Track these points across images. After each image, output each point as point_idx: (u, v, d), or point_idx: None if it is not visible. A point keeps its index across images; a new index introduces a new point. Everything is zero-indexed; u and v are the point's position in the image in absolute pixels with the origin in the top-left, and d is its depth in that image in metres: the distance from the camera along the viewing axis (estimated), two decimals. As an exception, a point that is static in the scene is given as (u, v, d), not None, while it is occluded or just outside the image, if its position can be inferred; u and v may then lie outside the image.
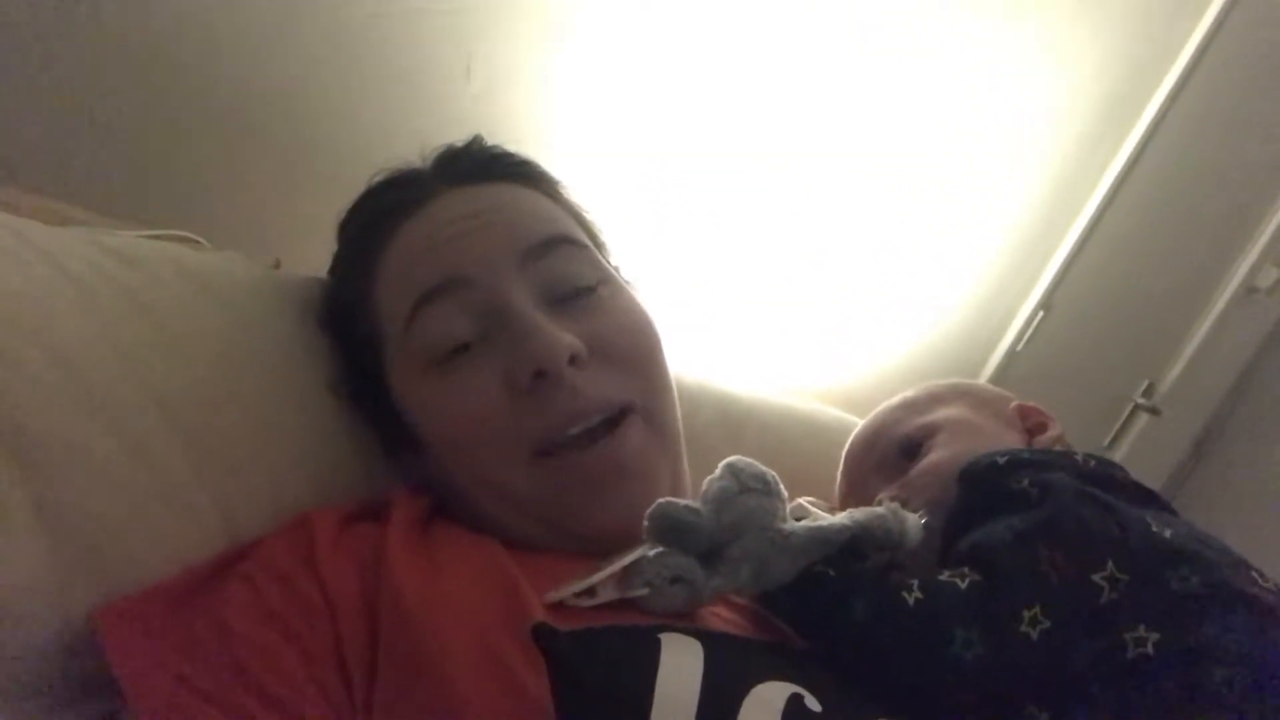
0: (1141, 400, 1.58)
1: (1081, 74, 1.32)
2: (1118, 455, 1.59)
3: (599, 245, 0.78)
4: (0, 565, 0.53)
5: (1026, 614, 0.52)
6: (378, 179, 0.77)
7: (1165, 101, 1.35)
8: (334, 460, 0.73)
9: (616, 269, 0.79)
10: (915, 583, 0.55)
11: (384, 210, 0.73)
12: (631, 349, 0.69)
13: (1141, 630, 0.51)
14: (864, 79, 1.24)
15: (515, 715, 0.48)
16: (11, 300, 0.60)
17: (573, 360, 0.63)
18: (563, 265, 0.69)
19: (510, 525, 0.65)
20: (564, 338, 0.63)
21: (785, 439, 1.01)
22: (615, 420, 0.65)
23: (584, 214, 0.80)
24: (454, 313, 0.66)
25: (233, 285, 0.74)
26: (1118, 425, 1.61)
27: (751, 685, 0.50)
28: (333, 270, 0.77)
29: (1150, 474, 1.55)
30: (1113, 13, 1.30)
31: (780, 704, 0.49)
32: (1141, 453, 1.59)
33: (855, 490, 0.79)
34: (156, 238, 0.79)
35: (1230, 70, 1.35)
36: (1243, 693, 0.48)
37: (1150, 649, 0.51)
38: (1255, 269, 1.50)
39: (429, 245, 0.69)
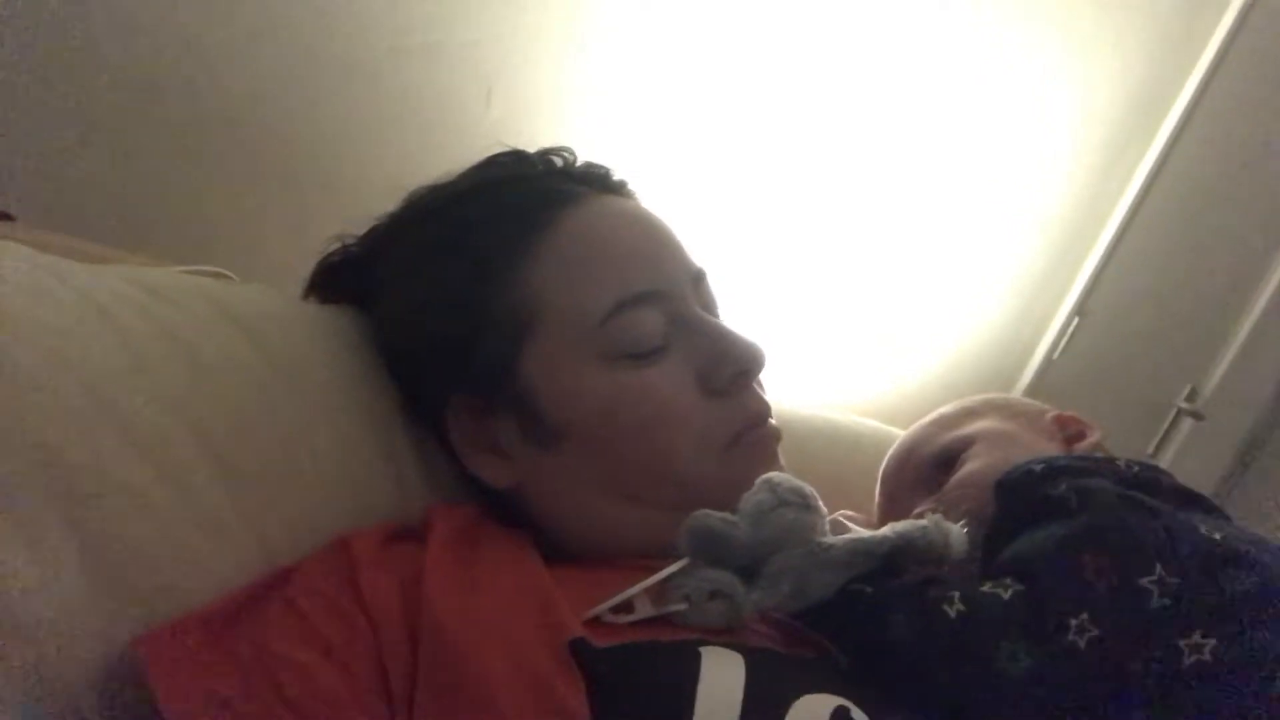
0: (1185, 405, 1.55)
1: (1107, 75, 1.31)
2: (1163, 462, 1.56)
3: None
4: (40, 597, 0.53)
5: (1073, 623, 0.50)
6: (487, 175, 0.77)
7: (1192, 100, 1.33)
8: (368, 486, 0.73)
9: None
10: (956, 595, 0.53)
11: (535, 199, 0.73)
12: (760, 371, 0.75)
13: (1198, 636, 0.50)
14: (893, 93, 1.24)
15: None
16: (49, 335, 0.60)
17: None
18: (710, 292, 0.76)
19: (628, 522, 0.68)
20: (759, 345, 0.71)
21: (823, 453, 1.00)
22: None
23: None
24: (656, 321, 0.69)
25: (263, 316, 0.75)
26: (1162, 431, 1.57)
27: (796, 697, 0.49)
28: (449, 253, 0.73)
29: (1198, 479, 1.52)
30: (1134, 12, 1.29)
31: (826, 715, 0.48)
32: (1188, 458, 1.56)
33: (893, 506, 0.78)
34: (187, 273, 0.81)
35: (1257, 64, 1.33)
36: None
37: (1208, 655, 0.49)
38: (1294, 267, 1.47)
39: (625, 244, 0.71)
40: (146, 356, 0.65)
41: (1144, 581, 0.51)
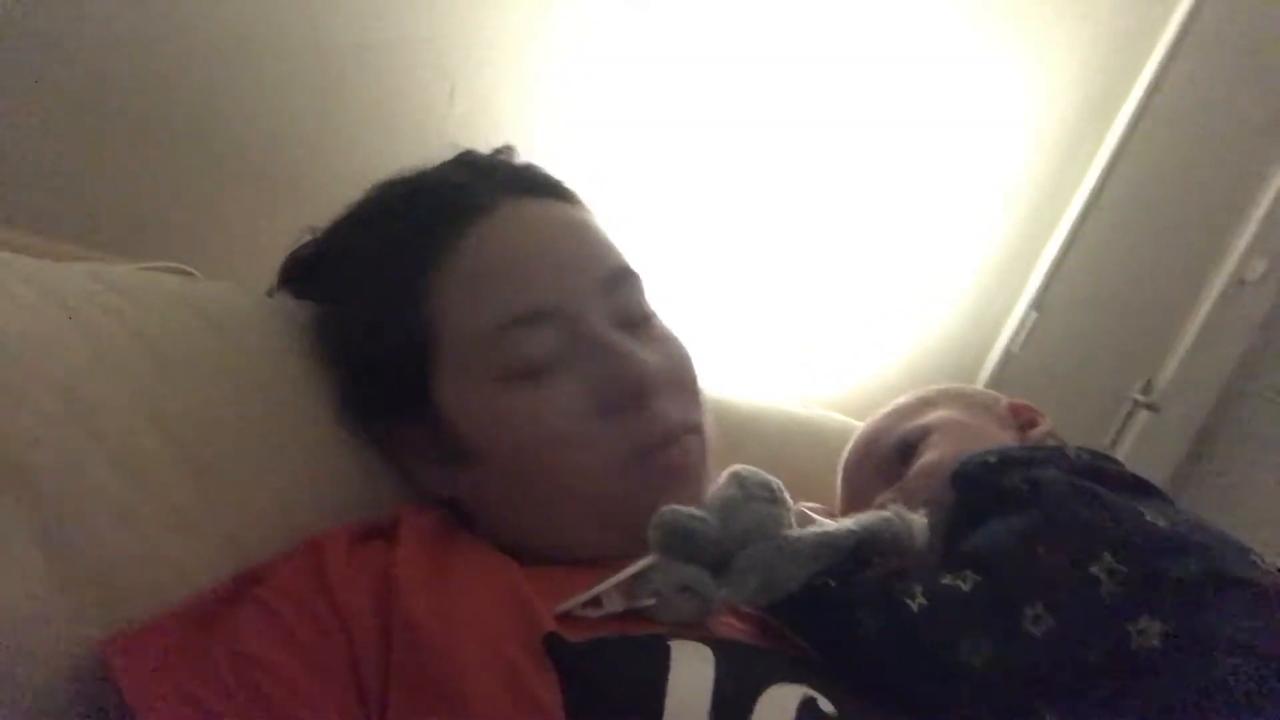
0: (1140, 397, 1.59)
1: (1060, 74, 1.34)
2: (1120, 453, 1.60)
3: None
4: (8, 597, 0.53)
5: (1029, 612, 0.52)
6: (400, 187, 0.75)
7: (1143, 97, 1.37)
8: (340, 481, 0.72)
9: None
10: (918, 589, 0.55)
11: (439, 215, 0.71)
12: (688, 374, 0.72)
13: (1144, 621, 0.51)
14: (852, 91, 1.26)
15: None
16: (13, 338, 0.60)
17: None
18: (630, 295, 0.72)
19: (562, 532, 0.66)
20: (654, 360, 0.66)
21: (785, 445, 1.01)
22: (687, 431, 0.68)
23: None
24: (546, 340, 0.66)
25: (229, 312, 0.74)
26: (1118, 423, 1.61)
27: (764, 688, 0.50)
28: (362, 275, 0.73)
29: (1154, 470, 1.56)
30: (1087, 10, 1.31)
31: (794, 706, 0.49)
32: (1144, 449, 1.60)
33: (855, 496, 0.80)
34: (149, 270, 0.80)
35: (1209, 62, 1.37)
36: (1250, 681, 0.48)
37: (1156, 640, 0.51)
38: (1243, 261, 1.51)
39: (516, 261, 0.69)
40: (113, 355, 0.64)
41: (1095, 570, 0.53)
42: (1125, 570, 0.53)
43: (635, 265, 0.74)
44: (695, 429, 0.69)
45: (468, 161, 0.77)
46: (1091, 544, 0.54)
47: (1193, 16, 1.33)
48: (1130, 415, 1.62)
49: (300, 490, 0.70)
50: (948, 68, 1.29)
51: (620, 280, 0.71)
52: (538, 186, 0.75)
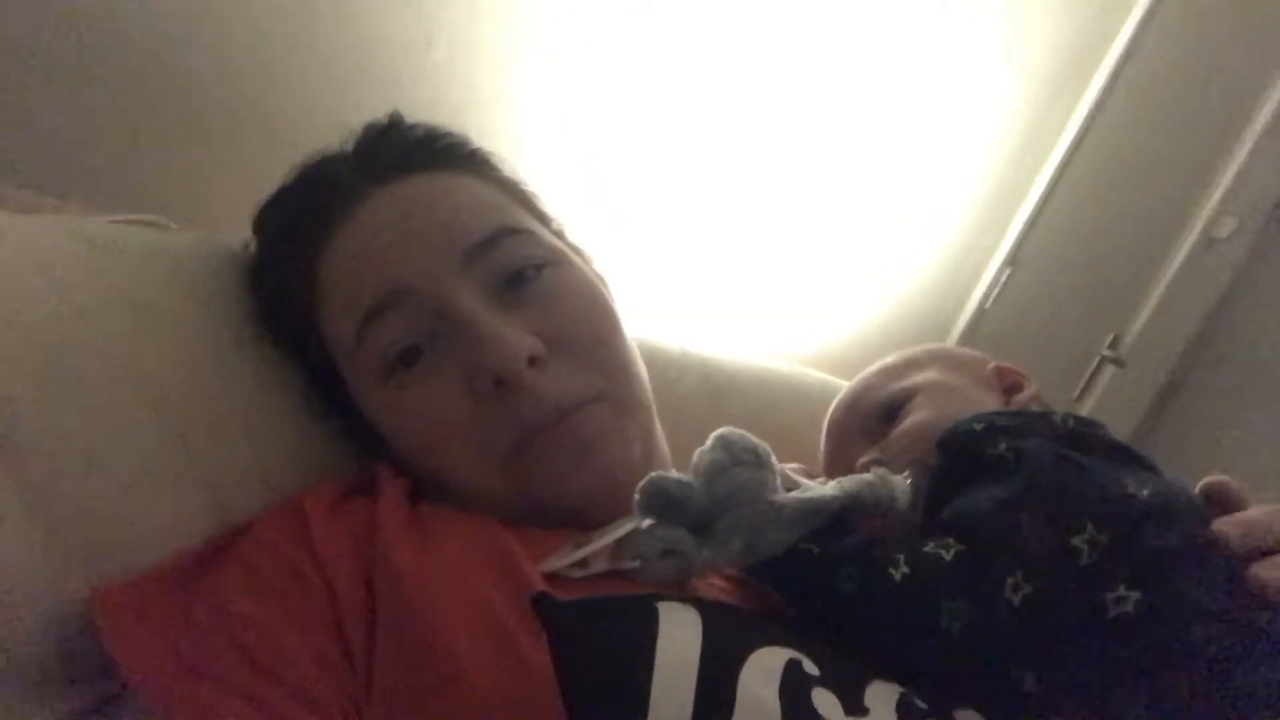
0: (1108, 353, 1.61)
1: (1039, 28, 1.33)
2: (1086, 407, 1.62)
3: (542, 217, 0.76)
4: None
5: (1009, 580, 0.53)
6: (293, 177, 0.74)
7: (1121, 56, 1.36)
8: (320, 439, 0.72)
9: (561, 232, 0.78)
10: (901, 557, 0.55)
11: (309, 218, 0.70)
12: (589, 336, 0.68)
13: (1122, 590, 0.52)
14: (830, 45, 1.24)
15: (517, 684, 0.48)
16: (-9, 293, 0.59)
17: (531, 361, 0.63)
18: (508, 256, 0.67)
19: (493, 513, 0.64)
20: (520, 341, 0.62)
21: (768, 403, 1.02)
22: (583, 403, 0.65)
23: (522, 186, 0.77)
24: (401, 324, 0.64)
25: (203, 265, 0.74)
26: (1085, 378, 1.64)
27: (750, 650, 0.50)
28: (264, 276, 0.73)
29: (1119, 424, 1.59)
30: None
31: (779, 668, 0.50)
32: (1109, 404, 1.62)
33: (838, 455, 0.80)
34: (124, 223, 0.78)
35: (1185, 23, 1.37)
36: (1221, 648, 0.50)
37: (1130, 608, 0.52)
38: (1213, 220, 1.52)
39: (364, 258, 0.67)
40: (91, 311, 0.63)
41: (1076, 541, 0.53)
42: (1105, 540, 0.53)
43: (519, 222, 0.70)
44: (591, 399, 0.65)
45: (348, 142, 0.74)
46: (1073, 514, 0.54)
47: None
48: (1098, 370, 1.64)
49: (281, 446, 0.70)
50: (928, 24, 1.27)
51: (489, 246, 0.67)
52: (405, 163, 0.71)
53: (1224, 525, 0.54)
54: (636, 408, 0.69)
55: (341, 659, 0.53)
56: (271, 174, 0.76)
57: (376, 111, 0.76)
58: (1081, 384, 1.65)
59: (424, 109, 0.78)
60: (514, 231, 0.69)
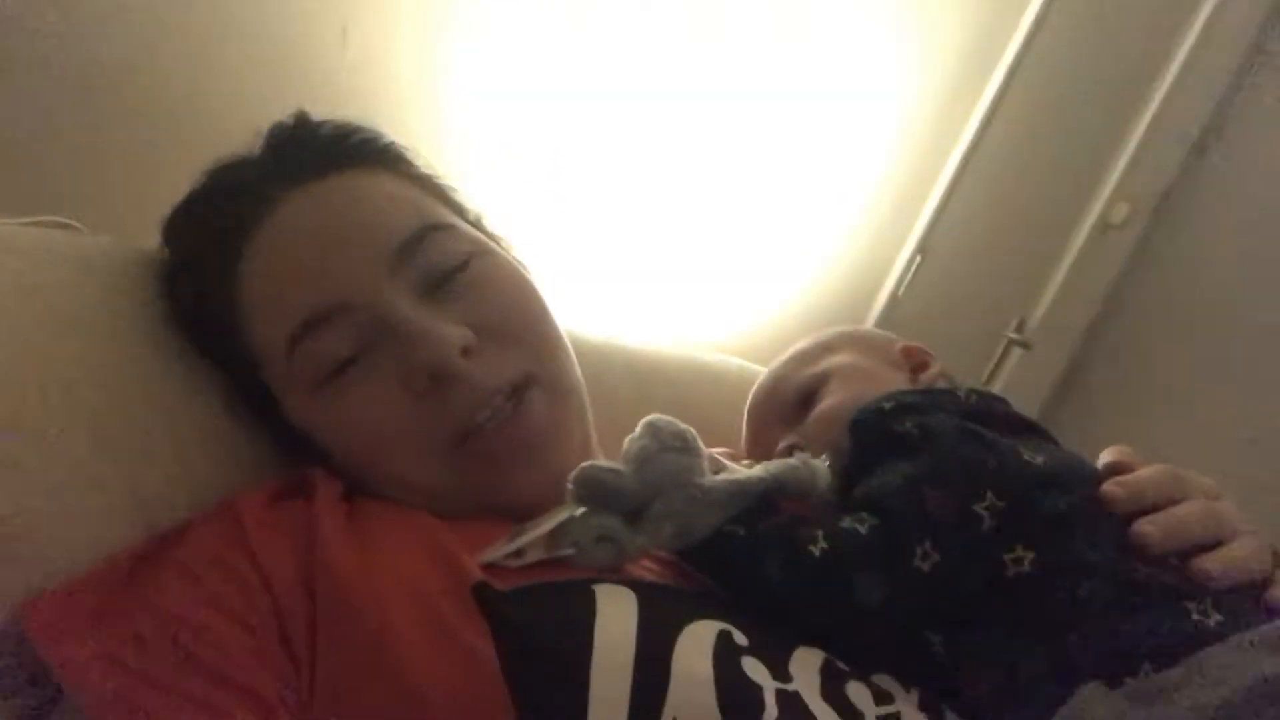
0: (1014, 335, 1.67)
1: (941, 23, 1.38)
2: (995, 387, 1.69)
3: (458, 208, 0.77)
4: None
5: (919, 550, 0.56)
6: (202, 184, 0.73)
7: (1019, 51, 1.43)
8: (243, 437, 0.72)
9: (479, 220, 0.78)
10: (820, 534, 0.58)
11: (222, 227, 0.69)
12: (519, 321, 0.69)
13: (1019, 550, 0.56)
14: (742, 37, 1.27)
15: (461, 675, 0.49)
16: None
17: (464, 352, 0.64)
18: (432, 252, 0.67)
19: (434, 510, 0.65)
20: (450, 334, 0.63)
21: (692, 391, 1.05)
22: (519, 389, 0.66)
23: (436, 180, 0.77)
24: (333, 337, 0.64)
25: (116, 267, 0.72)
26: (994, 360, 1.70)
27: (684, 625, 0.53)
28: (178, 285, 0.72)
29: (1027, 403, 1.65)
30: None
31: (711, 639, 0.52)
32: (1017, 384, 1.69)
33: (759, 440, 0.83)
34: (31, 224, 0.76)
35: (1080, 17, 1.44)
36: (1105, 603, 0.53)
37: (1027, 566, 0.55)
38: (1109, 206, 1.60)
39: (288, 270, 0.66)
40: (5, 315, 0.62)
41: (977, 508, 0.57)
42: (1003, 505, 0.57)
43: (439, 217, 0.71)
44: (529, 382, 0.66)
45: (258, 145, 0.73)
46: (974, 484, 0.58)
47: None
48: (1005, 352, 1.70)
49: (202, 444, 0.69)
50: (836, 18, 1.31)
51: (414, 244, 0.67)
52: (319, 164, 0.70)
53: (1111, 486, 0.58)
54: (570, 389, 0.71)
55: (285, 658, 0.53)
56: (181, 176, 0.74)
57: (291, 109, 0.75)
58: (991, 365, 1.71)
59: (340, 105, 0.77)
60: (435, 228, 0.69)
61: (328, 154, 0.71)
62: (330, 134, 0.73)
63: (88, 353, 0.65)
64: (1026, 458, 0.60)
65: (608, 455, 0.64)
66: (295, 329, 0.65)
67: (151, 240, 0.77)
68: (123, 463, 0.63)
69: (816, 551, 0.57)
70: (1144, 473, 0.60)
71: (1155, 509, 0.57)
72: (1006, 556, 0.56)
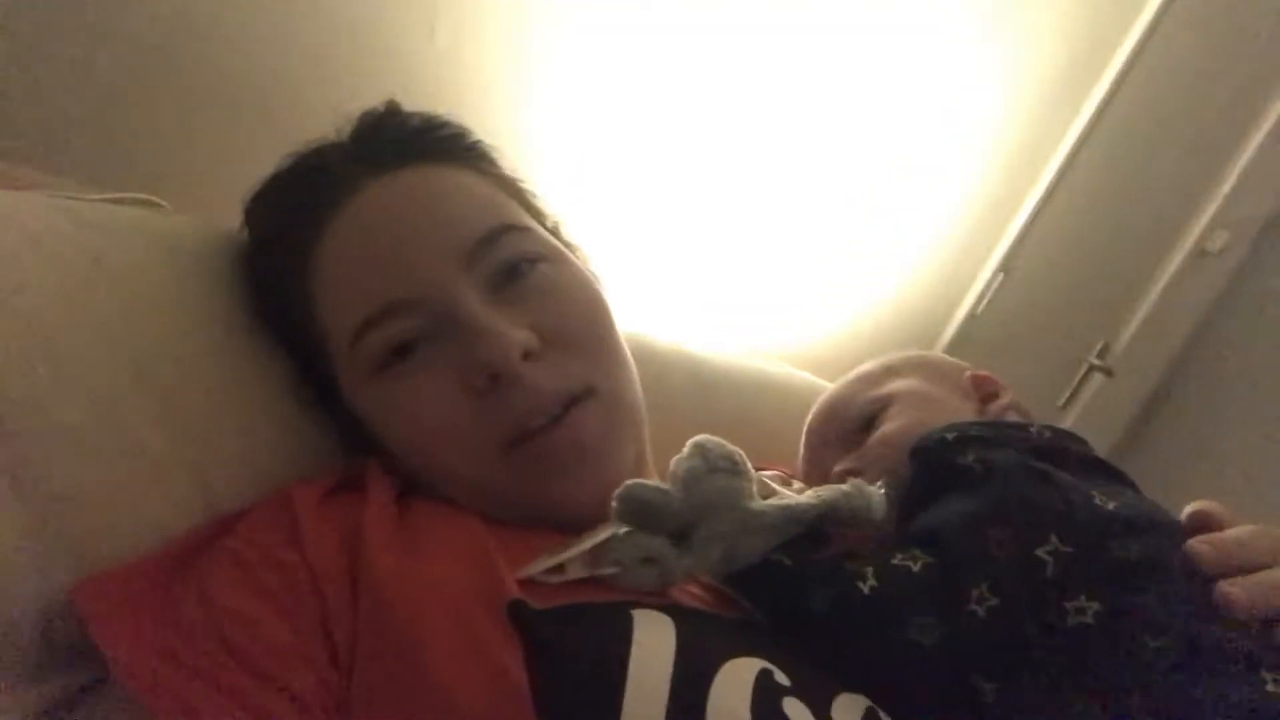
0: (1096, 361, 1.62)
1: (1041, 38, 1.34)
2: (1072, 415, 1.64)
3: (537, 213, 0.77)
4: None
5: (975, 593, 0.54)
6: (286, 166, 0.74)
7: (1123, 68, 1.37)
8: (310, 429, 0.72)
9: (556, 228, 0.78)
10: (869, 570, 0.56)
11: (303, 210, 0.69)
12: (584, 331, 0.68)
13: (1082, 600, 0.53)
14: (830, 41, 1.24)
15: (491, 696, 0.48)
16: (-19, 273, 0.59)
17: (526, 355, 0.63)
18: (506, 253, 0.68)
19: (483, 511, 0.65)
20: (514, 335, 0.63)
21: (757, 403, 1.03)
22: (577, 399, 0.65)
23: (519, 183, 0.78)
24: (399, 327, 0.65)
25: (199, 248, 0.74)
26: (1073, 386, 1.65)
27: (724, 660, 0.51)
28: (256, 266, 0.73)
29: (1103, 433, 1.60)
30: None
31: (751, 678, 0.50)
32: (1095, 412, 1.64)
33: (815, 462, 0.81)
34: (117, 201, 0.78)
35: (1187, 38, 1.38)
36: (1173, 664, 0.50)
37: (1090, 618, 0.52)
38: (1206, 233, 1.54)
39: (365, 258, 0.67)
40: (82, 293, 0.63)
41: (1040, 552, 0.54)
42: (1069, 551, 0.54)
43: (516, 219, 0.71)
44: (586, 393, 0.65)
45: (344, 131, 0.74)
46: (1039, 526, 0.55)
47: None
48: (1085, 378, 1.65)
49: (269, 431, 0.70)
50: (932, 26, 1.28)
51: (489, 243, 0.67)
52: (402, 154, 0.70)
53: (1199, 543, 0.55)
54: (629, 406, 0.70)
55: (327, 660, 0.53)
56: (267, 159, 0.76)
57: (377, 96, 0.76)
58: (1068, 391, 1.66)
59: (425, 97, 0.78)
60: (511, 228, 0.69)
61: (413, 145, 0.72)
62: (418, 125, 0.74)
63: (164, 336, 0.66)
64: (1098, 502, 0.57)
65: (661, 464, 0.63)
66: (364, 317, 0.65)
67: (236, 222, 0.79)
68: (190, 447, 0.64)
69: (865, 588, 0.55)
70: (1234, 532, 0.56)
71: (1242, 571, 0.54)
72: (1069, 605, 0.53)
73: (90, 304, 0.63)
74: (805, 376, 1.14)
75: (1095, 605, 0.53)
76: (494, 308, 0.65)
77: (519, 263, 0.68)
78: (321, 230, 0.69)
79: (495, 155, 0.78)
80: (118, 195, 0.80)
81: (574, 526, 0.61)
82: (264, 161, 0.76)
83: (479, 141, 0.77)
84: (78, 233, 0.67)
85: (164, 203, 0.84)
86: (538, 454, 0.64)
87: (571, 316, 0.68)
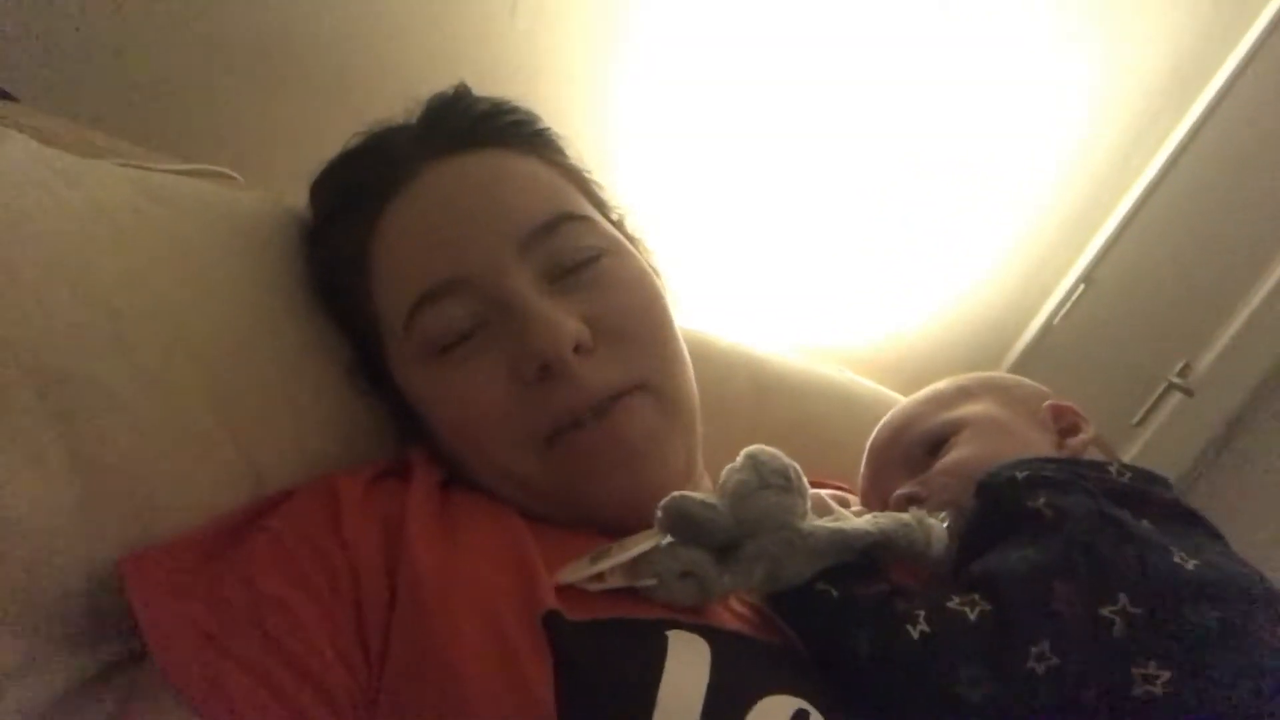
0: (1176, 379, 1.55)
1: (1143, 47, 1.28)
2: (1146, 433, 1.58)
3: (601, 205, 0.75)
4: (34, 508, 0.54)
5: (1034, 650, 0.50)
6: (354, 146, 0.74)
7: (1226, 83, 1.31)
8: (362, 414, 0.73)
9: (620, 221, 0.76)
10: (921, 614, 0.53)
11: (365, 190, 0.70)
12: (638, 326, 0.67)
13: (1152, 668, 0.49)
14: (918, 43, 1.20)
15: (515, 706, 0.48)
16: (47, 239, 0.59)
17: (577, 348, 0.62)
18: (564, 243, 0.67)
19: (524, 505, 0.64)
20: (567, 326, 0.62)
21: (817, 409, 1.00)
22: (624, 392, 0.64)
23: (583, 173, 0.76)
24: (455, 309, 0.64)
25: (264, 227, 0.74)
26: (1149, 403, 1.58)
27: (759, 697, 0.49)
28: (318, 245, 0.74)
29: (1178, 454, 1.54)
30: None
31: (786, 719, 0.49)
32: (1171, 432, 1.57)
33: (877, 482, 0.77)
34: (190, 173, 0.79)
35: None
36: None
37: (1159, 689, 0.49)
38: (1304, 258, 1.46)
39: (422, 238, 0.66)
40: (148, 269, 0.64)
41: (1107, 612, 0.51)
42: (1140, 613, 0.51)
43: (578, 208, 0.70)
44: (636, 388, 0.64)
45: (414, 112, 0.74)
46: (1108, 584, 0.52)
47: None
48: (1163, 396, 1.59)
49: (320, 415, 0.70)
50: (1021, 33, 1.23)
51: (547, 231, 0.66)
52: (466, 138, 0.70)
53: None
54: (681, 407, 0.68)
55: (360, 656, 0.52)
56: (343, 133, 0.76)
57: (455, 78, 0.76)
58: (1145, 409, 1.60)
59: (504, 74, 0.77)
60: (572, 218, 0.68)
61: (479, 129, 0.71)
62: (485, 110, 0.73)
63: (221, 314, 0.66)
64: (1176, 559, 0.53)
65: (716, 469, 0.61)
66: (417, 298, 0.65)
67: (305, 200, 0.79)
68: (240, 426, 0.64)
69: (915, 633, 0.52)
70: None
71: None
72: (1136, 672, 0.49)
73: (154, 279, 0.64)
74: (869, 384, 1.11)
75: (1166, 674, 0.49)
76: (548, 297, 0.64)
77: (578, 256, 0.66)
78: (381, 211, 0.69)
79: (562, 143, 0.77)
80: (191, 166, 0.81)
81: (617, 528, 0.59)
82: (340, 142, 0.76)
83: (546, 129, 0.76)
84: (150, 207, 0.67)
85: (237, 176, 0.84)
86: (577, 451, 0.63)
87: (626, 310, 0.67)
